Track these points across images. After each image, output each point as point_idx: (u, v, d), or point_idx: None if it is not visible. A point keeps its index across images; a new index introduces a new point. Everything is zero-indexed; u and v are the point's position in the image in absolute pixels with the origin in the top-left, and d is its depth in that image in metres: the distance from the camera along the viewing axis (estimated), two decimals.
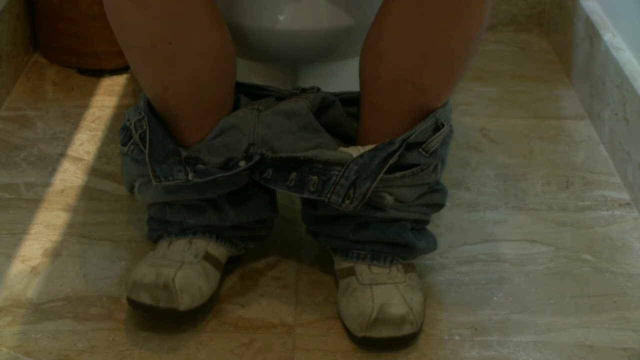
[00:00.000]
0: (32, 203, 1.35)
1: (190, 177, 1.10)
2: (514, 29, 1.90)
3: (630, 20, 1.50)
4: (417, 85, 1.08)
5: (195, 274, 1.13)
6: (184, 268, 1.12)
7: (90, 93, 1.64)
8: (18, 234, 1.29)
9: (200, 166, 1.11)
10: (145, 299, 1.10)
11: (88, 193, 1.38)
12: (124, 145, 1.17)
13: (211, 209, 1.16)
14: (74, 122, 1.55)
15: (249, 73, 1.28)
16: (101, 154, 1.47)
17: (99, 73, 1.70)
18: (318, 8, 1.20)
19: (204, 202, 1.16)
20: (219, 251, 1.18)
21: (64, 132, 1.52)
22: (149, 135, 1.12)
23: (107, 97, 1.63)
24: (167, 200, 1.16)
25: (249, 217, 1.18)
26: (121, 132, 1.19)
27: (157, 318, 1.12)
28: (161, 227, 1.18)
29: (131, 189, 1.20)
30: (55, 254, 1.26)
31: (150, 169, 1.11)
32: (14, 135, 1.51)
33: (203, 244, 1.16)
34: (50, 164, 1.44)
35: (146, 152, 1.11)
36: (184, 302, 1.10)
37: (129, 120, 1.16)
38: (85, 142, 1.50)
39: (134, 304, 1.11)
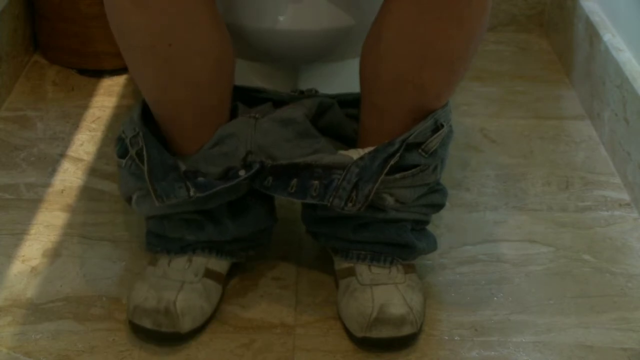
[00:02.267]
0: (32, 203, 1.35)
1: (192, 193, 1.09)
2: (514, 29, 1.90)
3: (630, 21, 1.50)
4: (417, 85, 1.08)
5: (196, 295, 1.12)
6: (185, 289, 1.12)
7: (90, 93, 1.64)
8: (18, 234, 1.29)
9: (200, 179, 1.10)
10: (147, 323, 1.10)
11: (88, 193, 1.38)
12: (120, 157, 1.16)
13: (210, 224, 1.16)
14: (74, 122, 1.55)
15: (249, 73, 1.28)
16: (101, 155, 1.47)
17: (99, 73, 1.70)
18: (318, 8, 1.20)
19: (203, 216, 1.15)
20: (220, 265, 1.17)
21: (64, 132, 1.52)
22: (147, 152, 1.11)
23: (107, 98, 1.63)
24: (166, 213, 1.16)
25: (249, 229, 1.18)
26: (117, 143, 1.17)
27: (158, 342, 1.11)
28: (160, 242, 1.18)
29: (128, 200, 1.19)
30: (55, 254, 1.26)
31: (151, 188, 1.10)
32: (14, 135, 1.51)
33: (203, 262, 1.16)
34: (50, 164, 1.44)
35: (145, 169, 1.11)
36: (186, 325, 1.11)
37: (124, 133, 1.15)
38: (85, 143, 1.50)
39: (136, 327, 1.12)
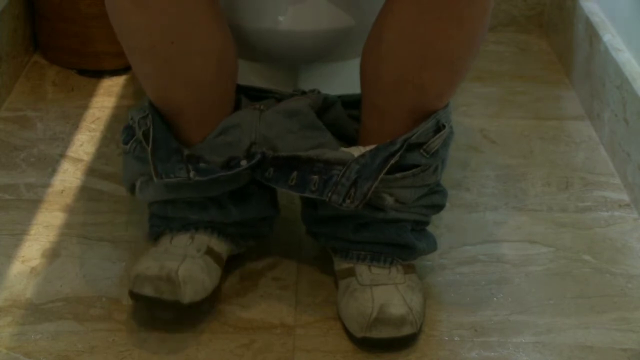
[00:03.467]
0: (32, 204, 1.35)
1: (191, 175, 1.10)
2: (514, 30, 1.90)
3: (630, 21, 1.50)
4: (417, 86, 1.08)
5: (198, 268, 1.12)
6: (187, 261, 1.12)
7: (90, 94, 1.64)
8: (18, 234, 1.29)
9: (202, 165, 1.11)
10: (148, 291, 1.10)
11: (87, 194, 1.38)
12: (125, 143, 1.17)
13: (213, 206, 1.16)
14: (73, 122, 1.55)
15: (249, 74, 1.28)
16: (101, 155, 1.47)
17: (99, 74, 1.70)
18: (318, 9, 1.20)
19: (207, 199, 1.16)
20: (221, 247, 1.18)
21: (64, 132, 1.52)
22: (152, 133, 1.12)
23: (106, 98, 1.63)
24: (169, 199, 1.16)
25: (251, 214, 1.18)
26: (123, 132, 1.19)
27: (159, 311, 1.11)
28: (163, 223, 1.18)
29: (132, 188, 1.20)
30: (55, 254, 1.26)
31: (152, 166, 1.11)
32: (14, 135, 1.51)
33: (205, 239, 1.16)
34: (50, 164, 1.44)
35: (149, 149, 1.11)
36: (188, 295, 1.10)
37: (132, 118, 1.16)
38: (85, 143, 1.50)
39: (136, 296, 1.11)
